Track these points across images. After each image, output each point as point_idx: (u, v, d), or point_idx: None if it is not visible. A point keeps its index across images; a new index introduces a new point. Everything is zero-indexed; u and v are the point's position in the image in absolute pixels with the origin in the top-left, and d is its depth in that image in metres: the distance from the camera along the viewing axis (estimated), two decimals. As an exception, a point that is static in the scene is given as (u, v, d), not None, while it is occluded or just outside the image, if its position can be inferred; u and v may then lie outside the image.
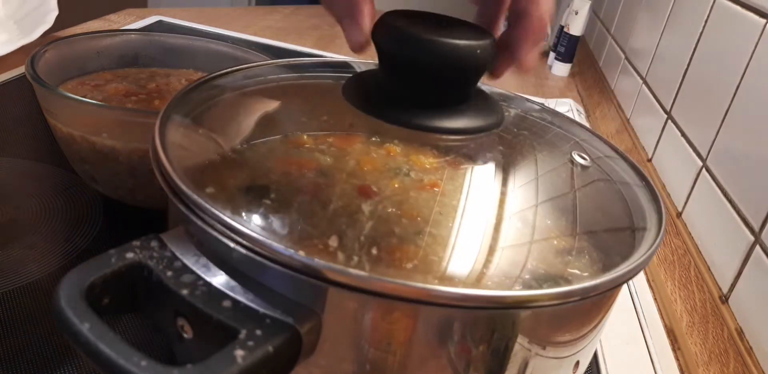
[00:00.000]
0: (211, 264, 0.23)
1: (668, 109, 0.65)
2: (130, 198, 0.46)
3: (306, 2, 1.30)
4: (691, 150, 0.56)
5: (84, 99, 0.41)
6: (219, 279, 0.23)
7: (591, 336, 0.28)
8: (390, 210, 0.25)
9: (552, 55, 1.11)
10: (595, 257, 0.26)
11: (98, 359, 0.20)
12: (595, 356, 0.42)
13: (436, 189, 0.26)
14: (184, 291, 0.22)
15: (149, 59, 0.53)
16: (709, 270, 0.47)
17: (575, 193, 0.29)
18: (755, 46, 0.48)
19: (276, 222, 0.24)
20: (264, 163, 0.27)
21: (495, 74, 0.31)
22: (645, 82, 0.75)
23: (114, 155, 0.41)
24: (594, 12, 1.16)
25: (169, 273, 0.23)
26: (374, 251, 0.23)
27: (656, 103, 0.69)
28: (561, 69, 1.08)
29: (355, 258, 0.22)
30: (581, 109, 0.92)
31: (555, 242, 0.26)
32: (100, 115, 0.41)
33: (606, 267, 0.25)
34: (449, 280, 0.23)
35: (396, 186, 0.26)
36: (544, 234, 0.26)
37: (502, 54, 0.29)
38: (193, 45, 0.54)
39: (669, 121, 0.64)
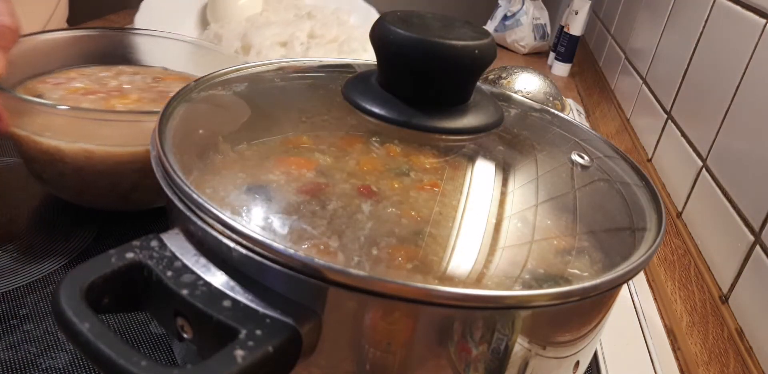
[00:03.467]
0: (211, 264, 0.23)
1: (668, 109, 0.65)
2: (77, 199, 0.45)
3: None
4: (691, 150, 0.56)
5: (25, 96, 0.40)
6: (219, 279, 0.23)
7: (591, 336, 0.28)
8: (390, 210, 0.25)
9: (552, 55, 1.11)
10: (595, 257, 0.26)
11: (98, 359, 0.20)
12: (595, 356, 0.42)
13: (436, 189, 0.26)
14: (184, 291, 0.22)
15: (117, 57, 0.52)
16: (709, 270, 0.47)
17: (575, 193, 0.29)
18: (755, 46, 0.48)
19: (276, 222, 0.24)
20: (264, 163, 0.27)
21: None
22: (645, 82, 0.75)
23: (60, 155, 0.41)
24: (594, 12, 1.16)
25: (169, 273, 0.23)
26: (374, 251, 0.23)
27: (656, 103, 0.69)
28: (561, 69, 1.08)
29: (355, 259, 0.22)
30: (581, 109, 0.92)
31: (555, 242, 0.26)
32: (39, 113, 0.41)
33: (606, 267, 0.25)
34: (449, 280, 0.23)
35: (396, 186, 0.26)
36: (544, 234, 0.26)
37: None
38: (161, 43, 0.53)
39: (669, 121, 0.64)
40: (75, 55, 0.51)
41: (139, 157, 0.41)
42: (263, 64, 0.37)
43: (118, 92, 0.47)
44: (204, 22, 0.83)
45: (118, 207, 0.46)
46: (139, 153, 0.41)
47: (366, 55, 0.76)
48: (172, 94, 0.47)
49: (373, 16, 0.91)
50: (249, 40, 0.73)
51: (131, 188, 0.43)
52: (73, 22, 0.83)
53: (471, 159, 0.29)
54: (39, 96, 0.45)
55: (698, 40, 0.61)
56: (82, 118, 0.40)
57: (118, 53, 0.52)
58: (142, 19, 0.73)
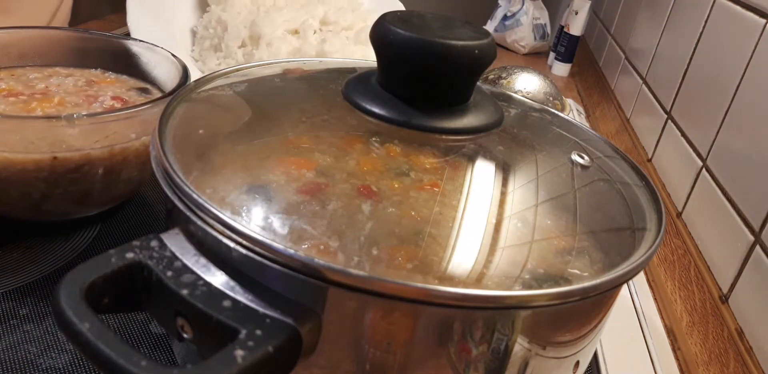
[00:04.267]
0: (211, 264, 0.23)
1: (668, 109, 0.65)
2: None
3: None
4: (691, 150, 0.56)
5: None
6: (219, 279, 0.23)
7: (591, 336, 0.28)
8: (390, 210, 0.25)
9: (552, 55, 1.11)
10: (595, 257, 0.26)
11: (98, 359, 0.20)
12: (595, 356, 0.42)
13: (436, 189, 0.26)
14: (184, 291, 0.22)
15: (53, 58, 0.50)
16: (709, 270, 0.47)
17: (575, 193, 0.29)
18: (755, 46, 0.48)
19: (276, 222, 0.24)
20: (264, 163, 0.27)
21: None
22: (645, 82, 0.75)
23: None
24: (594, 12, 1.16)
25: (169, 273, 0.23)
26: (374, 251, 0.23)
27: (656, 103, 0.69)
28: (561, 69, 1.08)
29: (355, 259, 0.22)
30: (581, 109, 0.92)
31: (555, 242, 0.26)
32: None
33: (606, 267, 0.25)
34: (449, 280, 0.23)
35: (396, 186, 0.26)
36: (544, 234, 0.26)
37: None
38: (100, 44, 0.51)
39: (669, 121, 0.64)
40: (10, 54, 0.49)
41: (44, 165, 0.38)
42: (263, 64, 0.37)
43: (42, 95, 0.44)
44: (203, 4, 0.76)
45: (33, 217, 0.44)
46: (44, 160, 0.38)
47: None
48: (100, 99, 0.45)
49: (388, 0, 0.85)
50: (258, 29, 0.67)
51: (41, 198, 0.40)
52: (72, 22, 0.83)
53: (471, 159, 0.29)
54: None
55: (698, 40, 0.61)
56: None
57: (54, 54, 0.50)
58: (133, 1, 0.68)
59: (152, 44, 0.50)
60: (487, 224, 0.26)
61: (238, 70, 0.36)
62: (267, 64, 0.38)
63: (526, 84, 0.69)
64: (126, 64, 0.50)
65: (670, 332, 0.47)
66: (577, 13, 1.02)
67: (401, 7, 0.85)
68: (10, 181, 0.39)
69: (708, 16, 0.60)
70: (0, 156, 0.38)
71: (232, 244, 0.23)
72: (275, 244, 0.22)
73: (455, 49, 0.28)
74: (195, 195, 0.24)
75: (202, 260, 0.24)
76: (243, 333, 0.21)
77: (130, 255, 0.23)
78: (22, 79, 0.47)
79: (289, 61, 0.38)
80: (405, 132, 0.29)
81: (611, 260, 0.26)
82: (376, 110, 0.30)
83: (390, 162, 0.27)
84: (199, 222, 0.24)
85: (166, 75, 0.48)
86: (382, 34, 0.29)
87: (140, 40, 0.51)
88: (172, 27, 0.72)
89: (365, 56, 0.71)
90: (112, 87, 0.48)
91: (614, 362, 0.42)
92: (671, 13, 0.72)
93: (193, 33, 0.75)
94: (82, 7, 0.86)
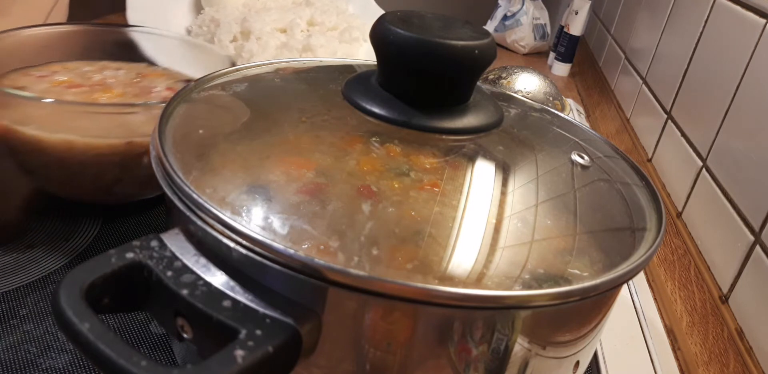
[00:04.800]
0: (211, 264, 0.23)
1: (668, 109, 0.65)
2: (63, 191, 0.46)
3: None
4: (691, 150, 0.56)
5: (12, 90, 0.41)
6: (219, 279, 0.23)
7: (591, 336, 0.28)
8: (390, 210, 0.25)
9: (552, 55, 1.11)
10: (595, 257, 0.26)
11: (98, 359, 0.20)
12: (595, 356, 0.42)
13: (436, 189, 0.26)
14: (184, 291, 0.22)
15: (101, 53, 0.53)
16: (709, 270, 0.47)
17: (575, 193, 0.29)
18: (755, 46, 0.48)
19: (276, 222, 0.24)
20: (264, 163, 0.27)
21: None
22: (645, 82, 0.75)
23: (40, 145, 0.41)
24: (594, 12, 1.16)
25: (169, 273, 0.23)
26: (374, 251, 0.23)
27: (656, 103, 0.69)
28: (561, 69, 1.08)
29: (355, 259, 0.22)
30: (581, 109, 0.92)
31: (555, 242, 0.26)
32: (21, 105, 0.41)
33: (606, 267, 0.25)
34: (449, 280, 0.23)
35: (396, 186, 0.26)
36: (544, 234, 0.26)
37: None
38: (145, 38, 0.54)
39: (669, 121, 0.64)
40: (59, 49, 0.51)
41: (119, 149, 0.41)
42: (263, 64, 0.37)
43: (101, 86, 0.47)
44: (198, 7, 0.82)
45: (103, 200, 0.47)
46: (119, 145, 0.41)
47: (367, 45, 0.76)
48: (156, 90, 0.48)
49: (371, 6, 0.90)
50: (249, 25, 0.72)
51: (114, 181, 0.44)
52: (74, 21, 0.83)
53: (471, 159, 0.29)
54: (22, 88, 0.45)
55: (698, 40, 0.61)
56: (64, 110, 0.41)
57: (102, 48, 0.53)
58: (133, 3, 0.72)
59: (204, 42, 0.53)
60: (487, 224, 0.26)
61: (238, 70, 0.36)
62: (267, 64, 0.38)
63: (526, 84, 0.69)
64: (168, 56, 0.53)
65: (670, 332, 0.47)
66: (577, 13, 1.02)
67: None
68: (85, 165, 0.42)
69: (708, 16, 0.60)
70: (79, 141, 0.41)
71: (232, 244, 0.23)
72: (275, 244, 0.22)
73: (455, 49, 0.28)
74: (195, 196, 0.24)
75: (202, 260, 0.24)
76: (243, 333, 0.21)
77: (130, 255, 0.23)
78: (76, 72, 0.50)
79: (289, 61, 0.38)
80: (405, 132, 0.29)
81: (611, 260, 0.26)
82: (376, 110, 0.30)
83: (390, 162, 0.27)
84: (199, 222, 0.24)
85: (206, 69, 0.51)
86: (382, 34, 0.29)
87: (189, 37, 0.55)
88: (169, 25, 0.76)
89: (349, 54, 0.75)
90: (161, 79, 0.51)
91: (614, 362, 0.42)
92: (671, 13, 0.72)
93: (188, 31, 0.79)
94: (82, 7, 0.86)
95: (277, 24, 0.74)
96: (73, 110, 0.41)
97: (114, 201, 0.47)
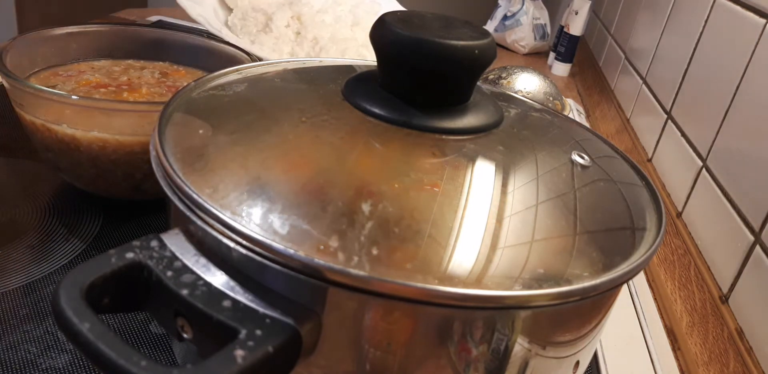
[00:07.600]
0: (211, 264, 0.23)
1: (668, 109, 0.65)
2: (93, 187, 0.47)
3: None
4: (691, 150, 0.56)
5: (45, 88, 0.42)
6: (219, 279, 0.23)
7: (591, 336, 0.28)
8: (390, 210, 0.25)
9: (552, 55, 1.11)
10: (595, 257, 0.26)
11: (98, 359, 0.20)
12: (595, 356, 0.42)
13: (436, 189, 0.26)
14: (184, 291, 0.22)
15: (125, 52, 0.54)
16: (709, 270, 0.47)
17: (575, 193, 0.29)
18: (755, 46, 0.48)
19: (276, 222, 0.24)
20: (264, 163, 0.27)
21: None
22: (645, 82, 0.75)
23: (75, 144, 0.42)
24: (594, 12, 1.16)
25: (169, 273, 0.23)
26: (374, 251, 0.23)
27: (656, 103, 0.69)
28: (561, 69, 1.08)
29: (355, 259, 0.22)
30: (581, 109, 0.92)
31: (555, 242, 0.26)
32: (59, 103, 0.42)
33: (606, 267, 0.25)
34: (449, 280, 0.23)
35: (396, 186, 0.26)
36: (544, 234, 0.26)
37: None
38: (168, 38, 0.55)
39: (669, 121, 0.64)
40: (85, 48, 0.53)
41: (149, 147, 0.42)
42: (263, 64, 0.37)
43: (128, 86, 0.49)
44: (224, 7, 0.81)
45: (130, 196, 0.48)
46: (149, 143, 0.42)
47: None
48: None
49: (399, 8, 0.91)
50: (298, 8, 0.74)
51: (143, 178, 0.45)
52: (73, 21, 0.83)
53: (471, 159, 0.29)
54: (52, 87, 0.46)
55: (698, 40, 0.61)
56: (94, 109, 0.42)
57: (125, 47, 0.54)
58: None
59: (217, 38, 0.55)
60: (487, 224, 0.26)
61: (238, 70, 0.36)
62: (267, 64, 0.38)
63: (526, 84, 0.69)
64: (190, 55, 0.55)
65: (670, 332, 0.47)
66: (577, 13, 1.02)
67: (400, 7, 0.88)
68: (117, 163, 0.44)
69: (708, 16, 0.60)
70: (112, 138, 0.42)
71: (232, 244, 0.23)
72: (275, 244, 0.22)
73: (455, 49, 0.28)
74: (195, 196, 0.24)
75: (202, 260, 0.24)
76: (243, 333, 0.21)
77: (130, 255, 0.23)
78: (103, 71, 0.51)
79: (288, 61, 0.38)
80: (405, 132, 0.29)
81: (611, 260, 0.26)
82: (376, 110, 0.29)
83: (390, 162, 0.27)
84: (199, 222, 0.24)
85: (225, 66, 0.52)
86: (382, 34, 0.29)
87: (208, 35, 0.55)
88: (218, 16, 0.76)
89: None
90: (185, 78, 0.52)
91: (614, 362, 0.42)
92: (671, 13, 0.72)
93: (228, 27, 0.78)
94: (83, 5, 0.86)
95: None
96: (106, 108, 0.42)
97: (141, 198, 0.48)
